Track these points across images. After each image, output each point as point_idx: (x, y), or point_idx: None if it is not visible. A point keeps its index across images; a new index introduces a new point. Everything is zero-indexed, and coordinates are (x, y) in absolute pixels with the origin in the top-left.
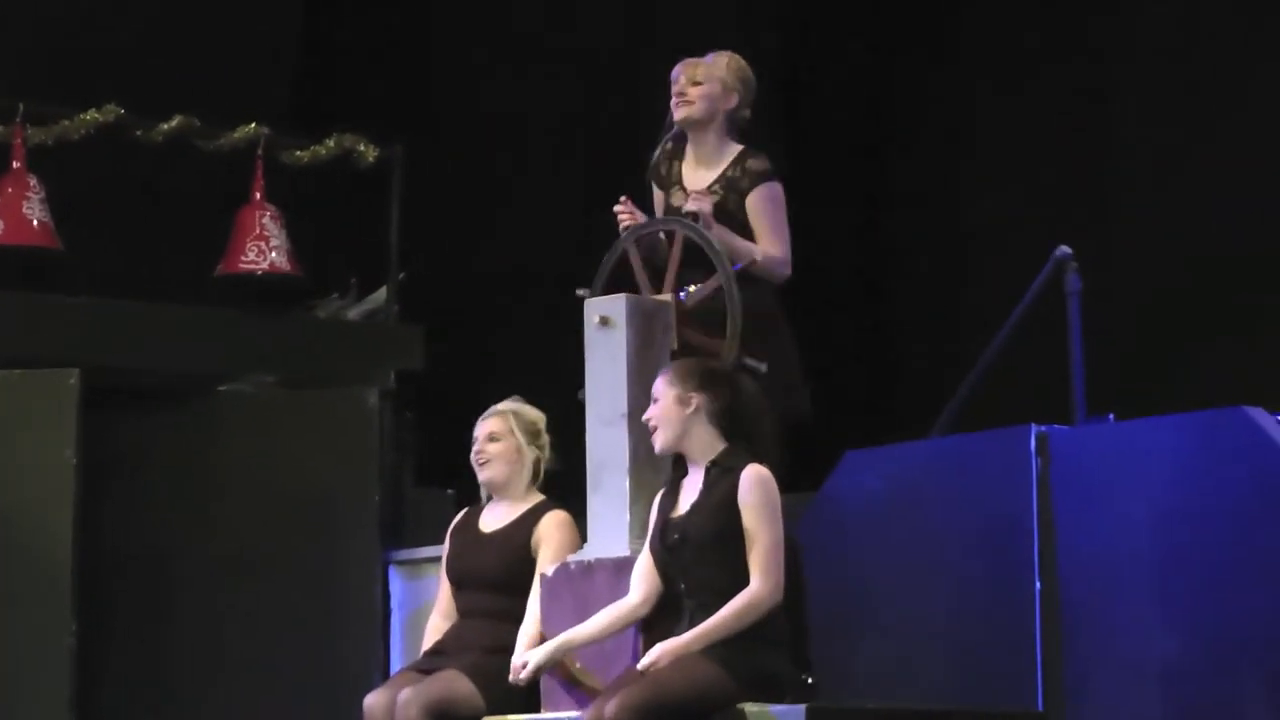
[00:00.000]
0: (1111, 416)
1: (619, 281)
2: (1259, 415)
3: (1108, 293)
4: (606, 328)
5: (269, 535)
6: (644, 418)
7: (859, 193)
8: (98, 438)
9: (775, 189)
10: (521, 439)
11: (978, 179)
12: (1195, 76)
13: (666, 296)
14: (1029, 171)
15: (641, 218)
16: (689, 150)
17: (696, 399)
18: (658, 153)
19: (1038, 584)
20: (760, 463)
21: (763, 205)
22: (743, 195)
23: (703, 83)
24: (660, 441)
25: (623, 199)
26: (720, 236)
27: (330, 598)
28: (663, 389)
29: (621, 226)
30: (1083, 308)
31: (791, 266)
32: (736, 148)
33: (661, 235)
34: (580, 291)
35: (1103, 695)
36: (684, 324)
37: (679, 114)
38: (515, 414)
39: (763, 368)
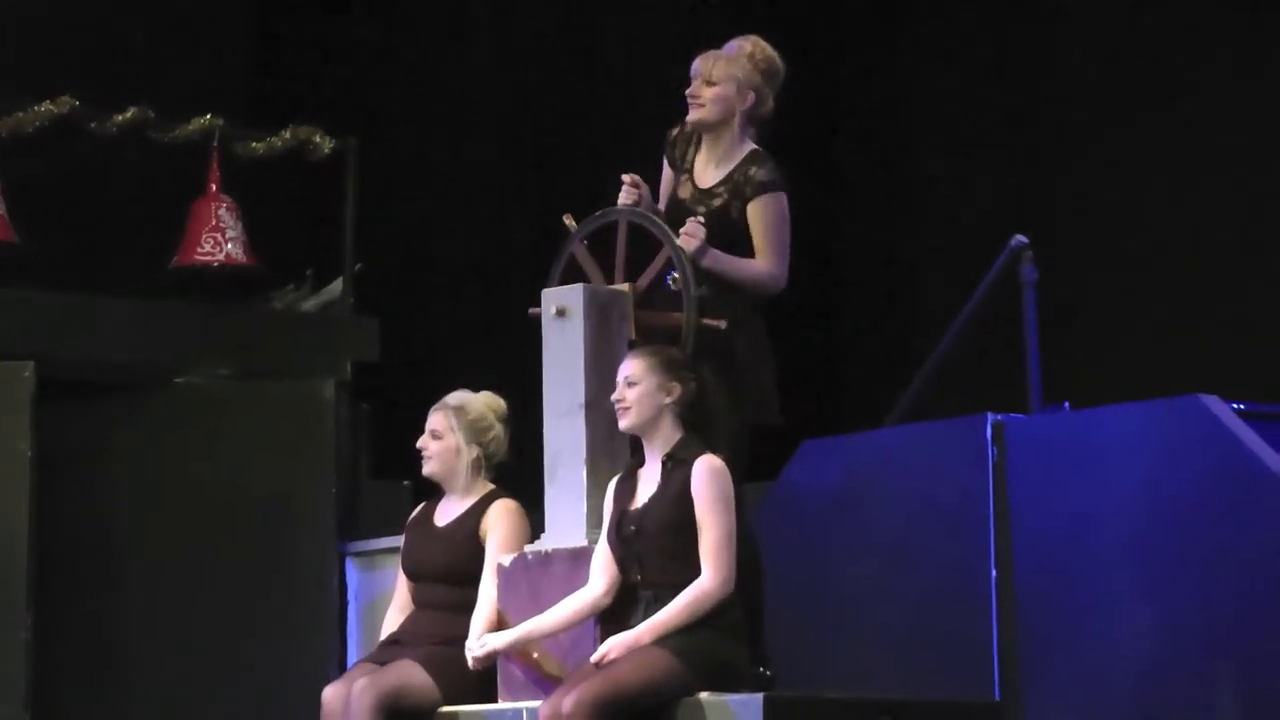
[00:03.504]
0: (1067, 405)
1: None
2: (1214, 403)
3: (1064, 282)
4: (563, 318)
5: (225, 528)
6: (615, 397)
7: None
8: (53, 431)
9: (779, 201)
10: (460, 437)
11: (933, 167)
12: (1148, 66)
13: (624, 286)
14: (984, 160)
15: (645, 198)
16: (705, 142)
17: (676, 388)
18: (675, 131)
19: (994, 573)
20: (713, 454)
21: (761, 218)
22: (745, 203)
23: (718, 83)
24: (629, 422)
25: (629, 177)
26: (716, 265)
27: (287, 590)
28: (643, 373)
29: (621, 200)
30: (1038, 296)
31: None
32: (749, 148)
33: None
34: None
35: (1059, 684)
36: (647, 306)
37: (690, 115)
38: (458, 410)
39: (722, 325)
